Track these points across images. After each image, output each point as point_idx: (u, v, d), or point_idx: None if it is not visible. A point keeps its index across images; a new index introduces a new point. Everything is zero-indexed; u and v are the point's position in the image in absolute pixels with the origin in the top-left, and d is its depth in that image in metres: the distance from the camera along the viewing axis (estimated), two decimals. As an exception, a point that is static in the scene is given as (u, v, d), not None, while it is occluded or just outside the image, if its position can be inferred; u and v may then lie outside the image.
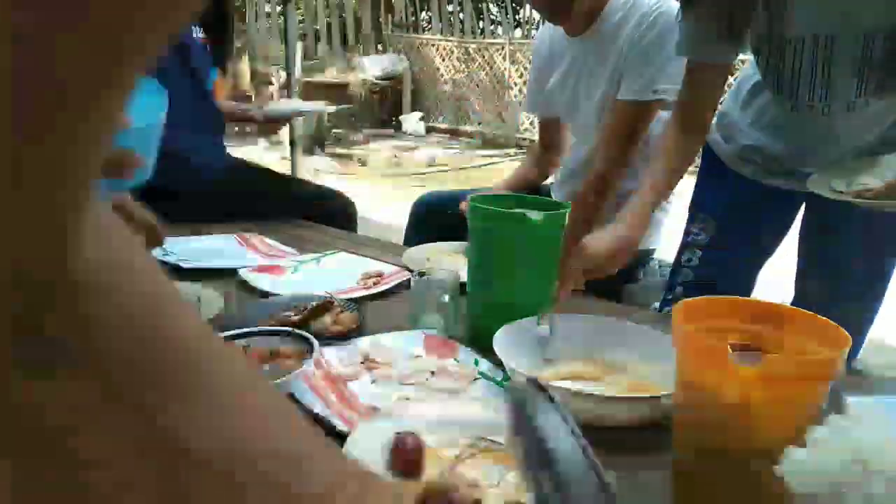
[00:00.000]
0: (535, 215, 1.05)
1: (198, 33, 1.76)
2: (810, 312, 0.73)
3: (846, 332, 0.68)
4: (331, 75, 7.87)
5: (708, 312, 0.76)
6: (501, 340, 0.99)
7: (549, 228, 1.09)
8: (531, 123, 7.46)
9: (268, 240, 1.66)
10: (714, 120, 1.46)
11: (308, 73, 7.70)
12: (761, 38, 1.21)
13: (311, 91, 7.40)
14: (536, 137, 2.01)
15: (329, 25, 8.57)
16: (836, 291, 1.35)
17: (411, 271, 1.28)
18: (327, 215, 1.90)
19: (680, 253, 1.51)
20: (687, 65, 1.23)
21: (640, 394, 0.91)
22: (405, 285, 1.33)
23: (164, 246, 1.54)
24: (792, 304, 1.25)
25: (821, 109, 1.19)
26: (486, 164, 6.69)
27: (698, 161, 1.48)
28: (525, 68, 7.42)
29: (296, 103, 1.87)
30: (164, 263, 1.46)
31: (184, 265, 1.43)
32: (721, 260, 1.44)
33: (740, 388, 0.66)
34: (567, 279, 1.05)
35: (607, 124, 1.54)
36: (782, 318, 0.75)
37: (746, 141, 1.39)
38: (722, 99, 1.40)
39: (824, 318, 0.72)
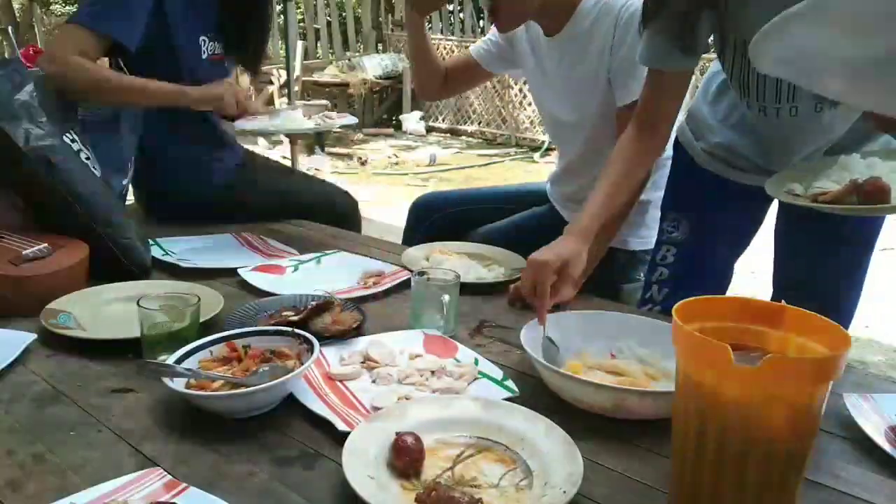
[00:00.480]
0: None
1: (209, 49, 1.74)
2: (811, 312, 0.73)
3: (846, 332, 0.68)
4: (331, 75, 7.85)
5: (708, 312, 0.76)
6: (527, 337, 1.01)
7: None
8: (531, 123, 7.46)
9: (268, 240, 1.66)
10: (684, 117, 1.48)
11: (308, 73, 7.68)
12: (726, 44, 1.21)
13: (311, 90, 7.40)
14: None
15: (329, 25, 8.55)
16: (813, 286, 1.35)
17: (411, 271, 1.28)
18: (333, 215, 1.90)
19: (655, 251, 1.51)
20: (648, 73, 1.26)
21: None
22: (405, 285, 1.33)
23: (162, 246, 1.55)
24: (772, 299, 1.23)
25: (788, 111, 1.19)
26: (486, 164, 6.68)
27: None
28: (525, 68, 7.43)
29: (290, 120, 1.81)
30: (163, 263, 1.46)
31: (183, 265, 1.43)
32: (695, 257, 1.44)
33: (740, 388, 0.66)
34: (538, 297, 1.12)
35: (620, 134, 1.54)
36: (782, 317, 0.75)
37: (716, 139, 1.39)
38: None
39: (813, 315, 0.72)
